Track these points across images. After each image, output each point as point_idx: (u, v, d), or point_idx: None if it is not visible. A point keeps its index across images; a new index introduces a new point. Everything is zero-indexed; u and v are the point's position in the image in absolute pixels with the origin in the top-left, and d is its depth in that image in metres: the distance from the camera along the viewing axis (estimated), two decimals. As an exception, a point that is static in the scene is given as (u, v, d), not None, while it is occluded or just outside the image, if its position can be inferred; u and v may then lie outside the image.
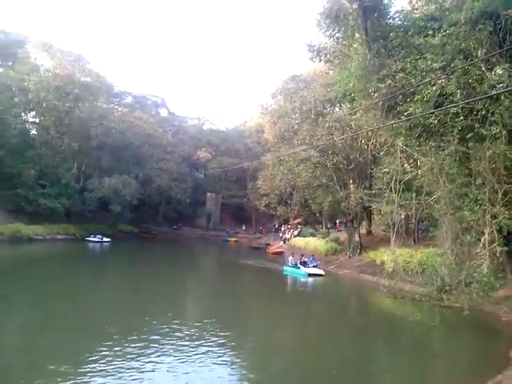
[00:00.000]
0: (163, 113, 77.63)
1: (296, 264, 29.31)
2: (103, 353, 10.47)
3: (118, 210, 51.27)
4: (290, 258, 30.84)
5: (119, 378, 9.09)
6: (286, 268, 30.13)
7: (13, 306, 15.79)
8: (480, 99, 12.92)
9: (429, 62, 14.30)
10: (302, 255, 31.13)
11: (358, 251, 32.25)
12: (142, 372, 9.52)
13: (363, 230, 36.05)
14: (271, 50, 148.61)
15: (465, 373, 11.50)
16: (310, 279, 27.08)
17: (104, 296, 18.86)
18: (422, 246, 24.63)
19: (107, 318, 14.73)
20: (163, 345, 11.51)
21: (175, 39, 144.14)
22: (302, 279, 27.23)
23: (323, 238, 40.42)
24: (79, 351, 10.67)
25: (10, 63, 48.91)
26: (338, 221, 49.12)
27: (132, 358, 10.33)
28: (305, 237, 46.29)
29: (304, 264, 29.06)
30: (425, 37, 15.12)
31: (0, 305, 15.32)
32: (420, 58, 14.86)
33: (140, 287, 21.45)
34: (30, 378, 8.94)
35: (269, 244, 53.60)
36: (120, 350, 10.80)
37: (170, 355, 10.76)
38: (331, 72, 28.39)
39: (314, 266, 28.83)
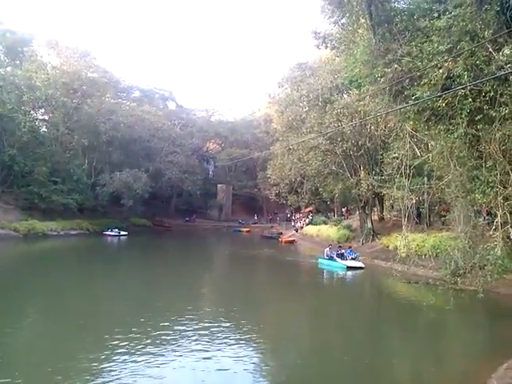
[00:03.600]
0: (171, 106, 77.88)
1: (332, 256, 27.03)
2: (124, 344, 10.65)
3: (130, 204, 51.76)
4: (327, 249, 28.02)
5: (142, 368, 9.26)
6: (321, 261, 27.84)
7: (41, 300, 16.22)
8: (488, 81, 12.74)
9: (435, 45, 14.09)
10: (340, 247, 28.47)
11: (371, 237, 32.25)
12: (165, 363, 9.67)
13: (375, 217, 35.98)
14: (277, 39, 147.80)
15: (480, 355, 11.49)
16: (349, 273, 24.87)
17: (131, 288, 19.44)
18: (434, 230, 24.54)
19: (139, 307, 15.21)
20: (195, 339, 11.58)
21: (180, 31, 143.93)
22: (341, 273, 25.03)
23: (335, 225, 40.43)
24: (95, 345, 10.85)
25: (18, 62, 49.31)
26: (344, 209, 49.11)
27: (160, 348, 10.56)
28: (317, 225, 46.33)
29: (341, 256, 26.62)
30: (430, 19, 14.87)
31: (24, 299, 15.70)
32: (426, 41, 14.65)
33: (165, 279, 21.86)
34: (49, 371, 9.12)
35: (281, 233, 53.77)
36: (146, 340, 11.02)
37: (201, 350, 10.76)
38: (337, 59, 28.13)
39: (352, 258, 26.41)
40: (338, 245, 29.85)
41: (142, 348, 10.46)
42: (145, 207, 57.44)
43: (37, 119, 50.06)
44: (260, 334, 12.81)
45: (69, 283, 19.33)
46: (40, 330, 12.47)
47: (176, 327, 12.35)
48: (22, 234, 37.06)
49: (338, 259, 26.36)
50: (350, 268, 25.21)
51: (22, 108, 43.36)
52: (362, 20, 17.22)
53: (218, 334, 11.91)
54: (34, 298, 16.24)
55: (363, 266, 25.59)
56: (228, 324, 13.14)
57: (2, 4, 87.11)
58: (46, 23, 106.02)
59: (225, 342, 11.30)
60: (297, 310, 16.55)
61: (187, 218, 68.55)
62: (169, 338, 11.41)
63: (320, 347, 11.88)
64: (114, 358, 9.80)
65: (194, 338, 11.52)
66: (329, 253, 27.39)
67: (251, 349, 11.22)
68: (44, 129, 50.84)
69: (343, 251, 27.21)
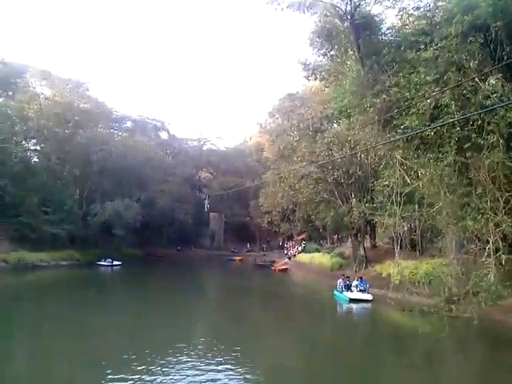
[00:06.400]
0: (163, 136, 78.16)
1: (342, 287, 25.63)
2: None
3: (122, 234, 51.23)
4: (340, 280, 26.30)
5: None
6: (335, 292, 26.07)
7: (45, 332, 15.80)
8: (475, 110, 13.05)
9: (422, 76, 14.50)
10: (348, 277, 26.87)
11: (364, 265, 32.14)
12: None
13: (367, 244, 35.99)
14: (267, 70, 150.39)
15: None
16: (354, 306, 23.38)
17: (125, 321, 18.73)
18: (427, 257, 24.53)
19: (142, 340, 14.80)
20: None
21: (173, 62, 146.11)
22: (345, 306, 23.86)
23: (328, 253, 40.32)
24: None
25: (10, 93, 49.47)
26: (335, 237, 49.10)
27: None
28: (310, 252, 46.20)
29: (348, 288, 25.31)
30: (417, 51, 15.34)
31: (16, 333, 15.38)
32: (413, 72, 15.06)
33: (160, 313, 20.93)
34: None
35: (274, 261, 53.45)
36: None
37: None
38: (327, 89, 28.66)
39: (361, 290, 24.81)
40: (346, 275, 27.92)
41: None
42: (136, 236, 56.89)
43: (28, 149, 50.06)
44: (254, 366, 12.54)
45: (60, 317, 18.62)
46: (27, 367, 12.17)
47: (171, 363, 12.00)
48: (11, 266, 36.45)
49: (344, 291, 25.23)
50: (353, 300, 23.97)
51: (14, 138, 43.34)
52: (351, 52, 17.68)
53: (213, 369, 11.65)
54: (20, 334, 15.81)
55: (370, 298, 24.03)
56: (223, 358, 12.80)
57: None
58: (39, 54, 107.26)
59: (219, 376, 11.03)
60: (290, 342, 16.10)
61: (179, 247, 67.98)
62: (163, 374, 11.12)
63: (313, 377, 11.66)
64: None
65: (188, 372, 11.26)
66: (342, 284, 25.96)
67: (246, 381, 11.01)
68: (36, 159, 50.82)
69: (351, 282, 25.87)
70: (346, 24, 17.19)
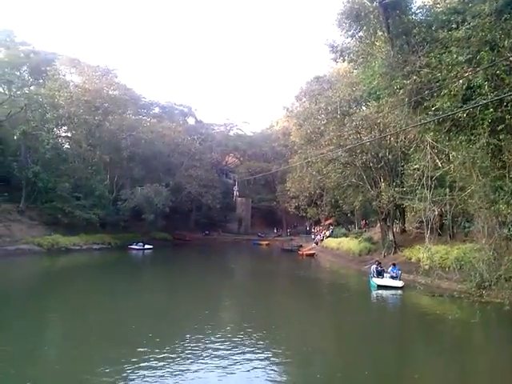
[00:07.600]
0: (190, 121, 78.73)
1: (373, 274, 24.67)
2: (146, 357, 10.68)
3: (151, 219, 52.18)
4: (373, 266, 25.25)
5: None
6: (369, 278, 25.20)
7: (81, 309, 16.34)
8: (509, 91, 12.64)
9: (454, 56, 14.11)
10: (379, 263, 25.44)
11: (393, 250, 31.78)
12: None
13: (397, 229, 35.57)
14: (294, 53, 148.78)
15: (507, 371, 11.21)
16: (384, 292, 22.46)
17: (158, 303, 19.25)
18: (458, 242, 24.10)
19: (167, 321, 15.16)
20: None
21: (199, 48, 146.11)
22: (375, 292, 23.00)
23: (356, 237, 40.02)
24: (119, 358, 10.88)
25: (41, 81, 50.60)
26: (363, 221, 48.61)
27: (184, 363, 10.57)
28: (337, 237, 45.99)
29: (379, 274, 24.32)
30: (448, 30, 14.93)
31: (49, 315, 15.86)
32: (445, 52, 14.67)
33: (192, 294, 21.75)
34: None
35: (301, 246, 53.50)
36: (170, 356, 11.00)
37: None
38: (355, 71, 28.15)
39: (391, 277, 23.78)
40: (378, 261, 26.49)
41: (165, 369, 10.44)
42: (165, 221, 57.85)
43: (60, 136, 51.18)
44: (281, 349, 12.64)
45: (97, 297, 19.39)
46: (63, 346, 12.63)
47: (200, 346, 12.24)
48: (45, 249, 37.67)
49: (373, 277, 24.45)
50: (380, 287, 23.21)
51: (46, 126, 44.27)
52: (380, 33, 17.34)
53: (242, 353, 11.83)
54: (61, 314, 16.39)
55: (400, 285, 22.94)
56: (253, 343, 12.92)
57: (26, 26, 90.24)
58: (68, 42, 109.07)
59: (245, 360, 11.19)
60: (318, 327, 16.16)
61: (207, 232, 68.85)
62: (192, 354, 11.40)
63: (341, 362, 11.72)
64: (137, 373, 9.87)
65: (216, 354, 11.46)
66: (374, 270, 24.90)
67: (272, 365, 11.14)
68: (67, 145, 51.91)
69: (383, 268, 24.91)
70: (375, 4, 16.84)
